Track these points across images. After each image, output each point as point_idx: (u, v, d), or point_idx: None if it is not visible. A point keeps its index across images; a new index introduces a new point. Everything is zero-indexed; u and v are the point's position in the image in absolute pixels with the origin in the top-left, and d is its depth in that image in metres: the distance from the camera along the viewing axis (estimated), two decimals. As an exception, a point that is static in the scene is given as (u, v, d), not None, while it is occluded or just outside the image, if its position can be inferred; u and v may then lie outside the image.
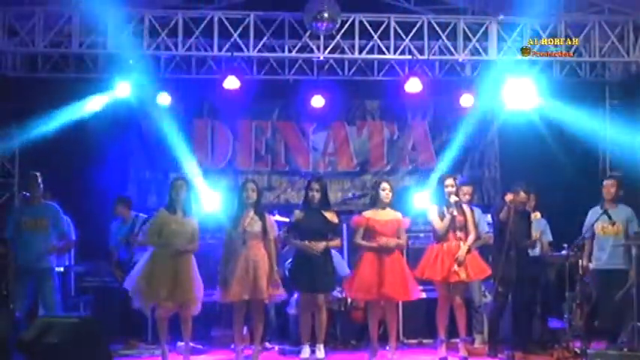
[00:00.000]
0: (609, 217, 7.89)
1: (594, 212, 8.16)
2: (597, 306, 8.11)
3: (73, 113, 9.78)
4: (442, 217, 7.69)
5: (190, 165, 10.22)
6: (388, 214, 7.68)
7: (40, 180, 7.90)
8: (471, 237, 7.73)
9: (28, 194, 7.82)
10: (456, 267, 7.56)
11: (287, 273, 8.19)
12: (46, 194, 8.43)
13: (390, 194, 7.68)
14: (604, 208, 7.99)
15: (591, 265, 8.15)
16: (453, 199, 7.68)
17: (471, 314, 8.38)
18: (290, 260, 8.28)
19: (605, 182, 8.27)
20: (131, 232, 8.71)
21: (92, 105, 9.83)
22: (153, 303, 7.42)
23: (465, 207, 7.88)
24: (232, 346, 7.92)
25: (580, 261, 8.17)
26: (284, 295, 7.69)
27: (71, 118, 9.76)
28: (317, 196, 7.64)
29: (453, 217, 7.64)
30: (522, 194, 7.95)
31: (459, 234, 7.68)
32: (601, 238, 8.13)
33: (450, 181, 7.78)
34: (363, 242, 7.63)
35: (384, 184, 7.76)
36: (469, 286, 8.19)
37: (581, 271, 8.13)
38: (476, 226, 7.93)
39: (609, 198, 8.12)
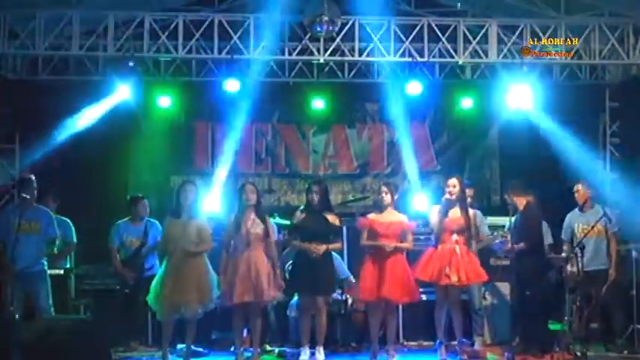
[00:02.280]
0: (610, 220, 7.94)
1: (573, 215, 8.28)
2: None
3: (74, 116, 9.79)
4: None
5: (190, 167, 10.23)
6: (392, 217, 7.69)
7: (34, 184, 7.87)
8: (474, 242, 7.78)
9: (27, 196, 7.80)
10: (447, 270, 7.56)
11: (287, 275, 8.19)
12: (48, 199, 8.42)
13: (389, 197, 7.68)
14: (583, 211, 8.11)
15: (574, 268, 8.18)
16: (445, 197, 7.71)
17: (471, 317, 8.38)
18: (290, 263, 8.28)
19: (575, 187, 8.37)
20: (145, 236, 8.61)
21: (93, 108, 9.82)
22: (162, 307, 7.41)
23: (471, 211, 7.87)
24: (232, 349, 7.92)
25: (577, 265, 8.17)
26: (281, 296, 7.68)
27: (72, 120, 9.77)
28: (316, 198, 7.65)
29: (444, 217, 7.65)
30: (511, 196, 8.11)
31: (456, 237, 7.66)
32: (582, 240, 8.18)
33: (450, 181, 7.79)
34: (366, 242, 7.67)
35: (382, 187, 7.82)
36: (469, 289, 8.19)
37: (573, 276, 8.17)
38: (477, 228, 7.96)
39: (582, 202, 8.21)
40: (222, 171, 10.24)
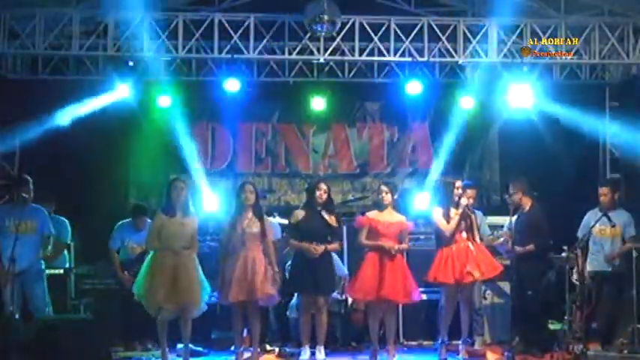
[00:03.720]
0: (609, 220, 7.91)
1: (592, 214, 8.23)
2: (595, 307, 8.16)
3: (74, 116, 9.79)
4: (447, 219, 7.70)
5: (194, 167, 10.22)
6: (392, 217, 7.69)
7: (31, 184, 7.87)
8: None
9: (26, 196, 7.80)
10: (468, 267, 7.57)
11: (287, 275, 8.19)
12: (45, 198, 8.40)
13: (389, 196, 7.68)
14: (603, 210, 8.05)
15: (588, 267, 8.18)
16: (464, 201, 7.71)
17: (471, 316, 8.38)
18: (289, 262, 8.28)
19: (599, 190, 8.30)
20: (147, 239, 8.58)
21: (92, 107, 9.83)
22: (155, 306, 7.38)
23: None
24: (232, 349, 7.92)
25: (577, 265, 8.16)
26: (277, 297, 7.66)
27: (72, 120, 9.77)
28: (324, 196, 7.67)
29: (464, 219, 7.66)
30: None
31: (465, 235, 7.69)
32: (597, 240, 8.16)
33: (459, 184, 7.84)
34: (367, 242, 7.65)
35: (382, 187, 7.81)
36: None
37: (576, 276, 8.14)
38: (477, 229, 7.96)
39: (606, 203, 8.17)
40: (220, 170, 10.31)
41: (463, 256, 7.62)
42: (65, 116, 9.71)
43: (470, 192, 8.33)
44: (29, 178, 7.92)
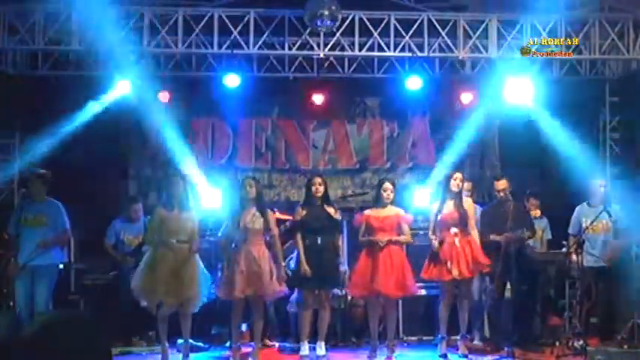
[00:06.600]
0: (609, 215, 7.92)
1: (582, 209, 8.23)
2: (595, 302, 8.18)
3: (73, 111, 9.79)
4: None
5: (189, 162, 10.21)
6: (387, 211, 7.69)
7: (39, 177, 7.87)
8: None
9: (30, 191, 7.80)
10: (449, 265, 7.55)
11: (288, 270, 8.19)
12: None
13: (392, 195, 7.69)
14: (597, 204, 8.06)
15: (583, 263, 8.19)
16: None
17: (470, 312, 8.37)
18: (290, 257, 8.29)
19: (597, 181, 8.30)
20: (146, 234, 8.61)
21: (92, 103, 9.82)
22: (155, 301, 7.37)
23: (466, 200, 7.88)
24: (227, 344, 7.92)
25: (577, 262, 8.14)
26: (286, 291, 7.68)
27: (71, 116, 9.76)
28: (321, 189, 7.67)
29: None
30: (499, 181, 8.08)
31: (455, 230, 7.67)
32: (589, 236, 8.16)
33: (457, 175, 7.83)
34: (362, 238, 7.70)
35: (386, 185, 7.76)
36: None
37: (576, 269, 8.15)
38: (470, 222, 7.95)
39: (600, 196, 8.17)
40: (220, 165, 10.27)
41: (447, 253, 7.61)
42: (66, 113, 9.72)
43: (465, 185, 8.28)
44: (37, 172, 7.93)
